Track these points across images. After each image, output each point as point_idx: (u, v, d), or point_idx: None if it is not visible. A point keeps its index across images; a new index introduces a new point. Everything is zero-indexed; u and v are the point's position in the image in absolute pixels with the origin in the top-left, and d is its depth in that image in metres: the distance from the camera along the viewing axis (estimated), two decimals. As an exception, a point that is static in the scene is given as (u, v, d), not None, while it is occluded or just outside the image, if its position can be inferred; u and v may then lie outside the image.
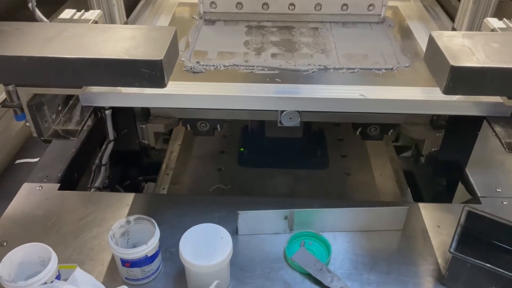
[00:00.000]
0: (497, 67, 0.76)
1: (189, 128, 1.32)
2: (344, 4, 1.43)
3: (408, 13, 1.55)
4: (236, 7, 1.45)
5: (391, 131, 1.31)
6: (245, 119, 1.33)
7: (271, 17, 1.46)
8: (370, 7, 1.43)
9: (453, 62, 0.75)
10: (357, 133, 1.31)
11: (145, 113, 1.33)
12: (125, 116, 1.32)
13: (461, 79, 0.77)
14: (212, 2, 1.45)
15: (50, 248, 0.89)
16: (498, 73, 0.76)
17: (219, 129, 1.33)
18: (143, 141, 1.38)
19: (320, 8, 1.44)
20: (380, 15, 1.44)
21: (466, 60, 0.77)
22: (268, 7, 1.44)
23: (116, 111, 1.29)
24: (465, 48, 0.80)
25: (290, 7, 1.44)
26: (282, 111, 1.13)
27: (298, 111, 1.12)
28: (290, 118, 1.15)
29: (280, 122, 1.15)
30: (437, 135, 1.32)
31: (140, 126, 1.35)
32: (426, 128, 1.32)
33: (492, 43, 0.82)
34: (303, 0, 1.43)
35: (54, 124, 1.00)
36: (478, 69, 0.76)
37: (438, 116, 1.29)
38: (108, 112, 1.29)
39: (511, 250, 1.02)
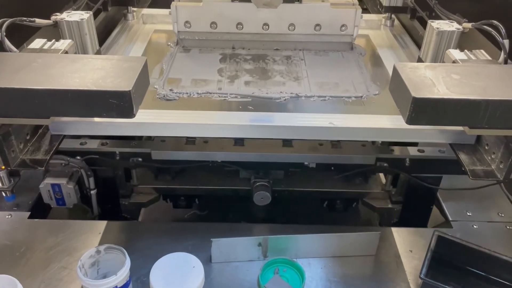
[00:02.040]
0: (456, 99, 0.78)
1: (169, 202, 1.41)
2: (317, 25, 1.46)
3: (379, 42, 1.60)
4: (211, 26, 1.47)
5: (355, 204, 1.40)
6: (220, 194, 1.38)
7: (245, 37, 1.48)
8: (343, 28, 1.47)
9: (414, 94, 0.78)
10: (324, 205, 1.40)
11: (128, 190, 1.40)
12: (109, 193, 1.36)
13: (423, 110, 0.79)
14: (186, 22, 1.46)
15: (16, 280, 0.87)
16: (458, 104, 0.78)
17: (197, 203, 1.41)
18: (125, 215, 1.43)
19: (294, 28, 1.47)
20: (352, 35, 1.48)
21: (428, 92, 0.79)
22: (243, 27, 1.47)
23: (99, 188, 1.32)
24: (427, 79, 0.83)
25: (264, 27, 1.47)
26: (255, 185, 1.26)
27: (268, 192, 1.25)
28: (262, 198, 1.26)
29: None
30: (395, 209, 1.38)
31: (123, 202, 1.39)
32: (385, 202, 1.39)
33: (452, 74, 0.85)
34: (276, 20, 1.46)
35: (22, 153, 0.99)
36: (439, 101, 0.78)
37: (396, 192, 1.39)
38: (93, 192, 1.30)
39: (482, 274, 1.04)
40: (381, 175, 1.45)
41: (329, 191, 1.37)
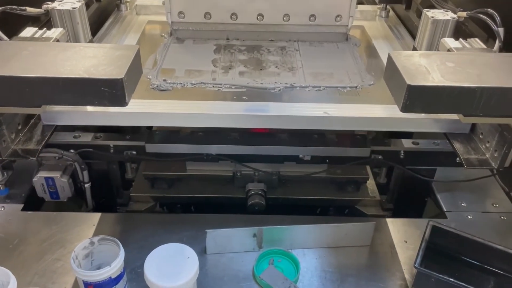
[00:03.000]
0: (451, 86, 0.78)
1: (165, 209, 1.43)
2: (312, 15, 1.45)
3: (374, 33, 1.60)
4: (205, 17, 1.45)
5: (347, 211, 1.42)
6: (215, 202, 1.40)
7: (239, 27, 1.47)
8: (338, 18, 1.46)
9: (409, 81, 0.77)
10: (317, 212, 1.41)
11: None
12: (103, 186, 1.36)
13: (417, 98, 0.79)
14: (180, 12, 1.44)
15: (9, 272, 0.86)
16: (452, 92, 0.78)
17: (193, 210, 1.43)
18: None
19: (289, 19, 1.46)
20: (347, 26, 1.47)
21: (422, 79, 0.79)
22: (237, 17, 1.45)
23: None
24: (422, 67, 0.83)
25: (258, 17, 1.46)
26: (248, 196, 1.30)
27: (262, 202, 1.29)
28: (256, 208, 1.28)
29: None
30: (386, 216, 1.39)
31: (121, 211, 1.41)
32: (376, 210, 1.40)
33: (447, 62, 0.85)
34: (271, 10, 1.44)
35: (14, 143, 0.98)
36: (434, 88, 0.78)
37: (387, 199, 1.43)
38: (87, 186, 1.29)
39: (476, 264, 1.05)
40: (372, 182, 1.46)
41: (322, 199, 1.39)
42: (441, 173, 1.31)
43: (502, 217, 1.21)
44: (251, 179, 1.34)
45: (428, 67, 0.82)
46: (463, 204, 1.26)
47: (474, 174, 1.28)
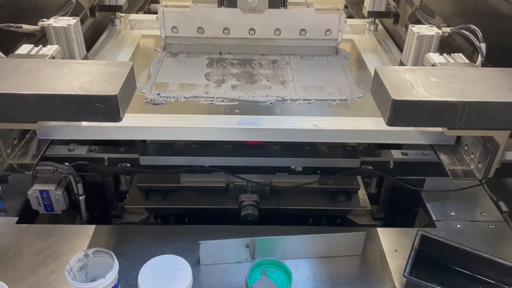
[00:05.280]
0: (434, 101, 0.81)
1: (159, 221, 1.44)
2: (303, 29, 1.49)
3: (363, 46, 1.63)
4: (198, 31, 1.48)
5: (338, 220, 1.44)
6: (209, 213, 1.42)
7: (232, 41, 1.50)
8: (327, 32, 1.50)
9: (394, 96, 0.80)
10: (309, 222, 1.44)
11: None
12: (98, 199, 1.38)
13: (402, 112, 0.81)
14: (173, 27, 1.48)
15: (4, 284, 0.87)
16: (436, 106, 0.81)
17: (187, 221, 1.44)
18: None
19: (280, 33, 1.49)
20: (337, 39, 1.51)
21: (407, 94, 0.81)
22: (229, 32, 1.48)
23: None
24: (407, 82, 0.85)
25: (250, 32, 1.49)
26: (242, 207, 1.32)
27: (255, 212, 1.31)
28: (249, 219, 1.31)
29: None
30: (377, 226, 1.41)
31: (115, 223, 1.42)
32: (367, 219, 1.43)
33: (431, 77, 0.88)
34: (263, 25, 1.48)
35: (9, 158, 0.99)
36: (418, 103, 0.81)
37: (377, 209, 1.45)
38: (82, 198, 1.30)
39: (465, 272, 1.06)
40: (363, 192, 1.48)
41: (314, 209, 1.42)
42: (431, 183, 1.33)
43: (490, 226, 1.23)
44: (244, 190, 1.36)
45: (413, 82, 0.85)
46: (452, 213, 1.27)
47: (463, 183, 1.29)
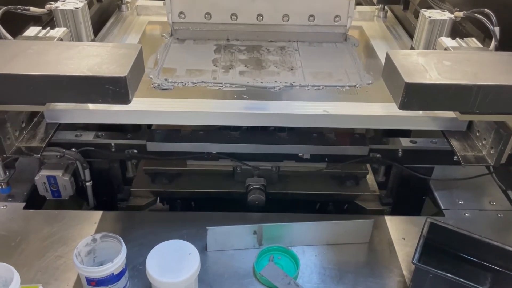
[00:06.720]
0: (448, 84, 0.79)
1: (165, 204, 1.43)
2: (311, 15, 1.47)
3: (372, 33, 1.61)
4: (205, 17, 1.47)
5: (346, 205, 1.43)
6: (215, 197, 1.41)
7: (239, 27, 1.48)
8: (336, 18, 1.48)
9: (407, 79, 0.79)
10: (317, 207, 1.43)
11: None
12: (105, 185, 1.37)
13: (415, 95, 0.80)
14: (180, 12, 1.46)
15: (12, 268, 0.87)
16: (449, 89, 0.80)
17: (193, 205, 1.43)
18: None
19: (288, 19, 1.47)
20: (346, 26, 1.49)
21: (420, 77, 0.80)
22: (237, 18, 1.47)
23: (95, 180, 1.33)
24: (419, 66, 0.84)
25: (258, 17, 1.47)
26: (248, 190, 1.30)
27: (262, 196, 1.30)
28: (256, 203, 1.29)
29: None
30: (385, 211, 1.41)
31: (121, 206, 1.42)
32: (375, 204, 1.41)
33: (444, 61, 0.87)
34: (271, 10, 1.46)
35: (18, 141, 0.99)
36: (431, 86, 0.80)
37: (386, 194, 1.43)
38: (89, 184, 1.30)
39: (473, 260, 1.06)
40: (371, 177, 1.47)
41: (322, 194, 1.40)
42: (439, 172, 1.32)
43: (499, 215, 1.22)
44: (251, 174, 1.35)
45: (426, 66, 0.84)
46: (460, 202, 1.27)
47: (471, 172, 1.29)
